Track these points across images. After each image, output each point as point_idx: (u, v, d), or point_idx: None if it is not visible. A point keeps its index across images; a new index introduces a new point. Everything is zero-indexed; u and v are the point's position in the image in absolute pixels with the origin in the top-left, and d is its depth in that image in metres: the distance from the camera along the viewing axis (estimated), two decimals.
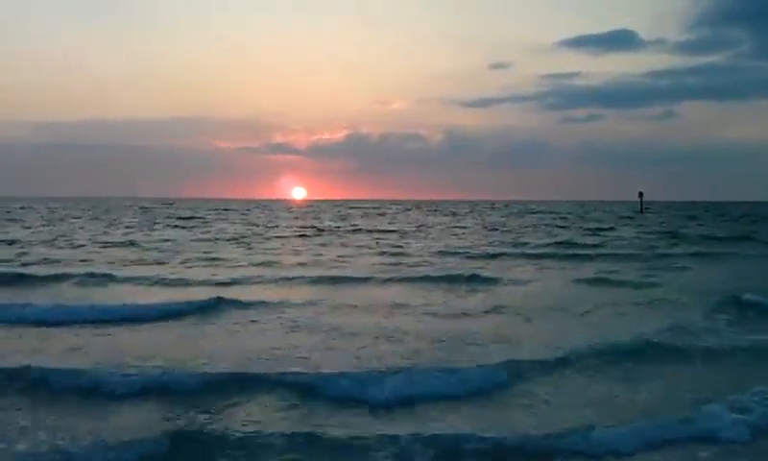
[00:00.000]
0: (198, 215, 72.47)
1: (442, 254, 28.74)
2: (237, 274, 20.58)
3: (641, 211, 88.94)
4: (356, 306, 14.91)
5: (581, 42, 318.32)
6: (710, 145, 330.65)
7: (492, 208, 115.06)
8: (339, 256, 27.08)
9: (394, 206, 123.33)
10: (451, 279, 19.43)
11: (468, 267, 22.64)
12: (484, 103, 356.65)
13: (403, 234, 42.84)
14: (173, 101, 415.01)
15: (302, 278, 19.84)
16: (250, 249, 30.54)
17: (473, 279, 19.53)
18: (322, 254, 27.96)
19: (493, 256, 27.60)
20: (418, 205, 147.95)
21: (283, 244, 34.30)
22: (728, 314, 13.99)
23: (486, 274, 20.71)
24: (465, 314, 14.24)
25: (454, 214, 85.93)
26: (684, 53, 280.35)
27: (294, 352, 10.44)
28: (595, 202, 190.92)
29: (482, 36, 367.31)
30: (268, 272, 21.24)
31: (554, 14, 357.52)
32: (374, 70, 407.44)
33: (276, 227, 51.24)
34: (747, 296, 15.24)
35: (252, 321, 13.19)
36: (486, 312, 14.45)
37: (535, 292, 17.78)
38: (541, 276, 21.33)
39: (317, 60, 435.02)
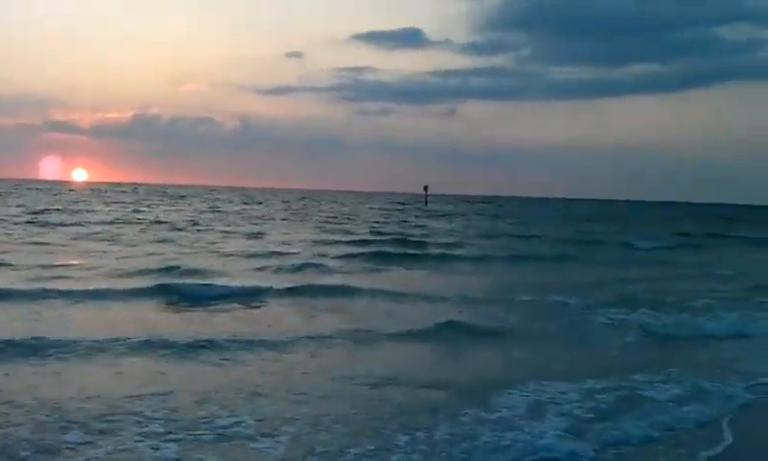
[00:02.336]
0: None
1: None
2: None
3: (426, 204, 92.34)
4: None
5: (373, 38, 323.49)
6: (492, 143, 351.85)
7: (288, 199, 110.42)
8: None
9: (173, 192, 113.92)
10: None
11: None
12: (280, 91, 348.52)
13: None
14: None
15: None
16: None
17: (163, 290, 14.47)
18: None
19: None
20: (212, 191, 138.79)
21: None
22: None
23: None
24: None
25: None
26: (470, 54, 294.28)
27: None
28: (385, 193, 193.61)
29: (277, 24, 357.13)
30: None
31: (347, 8, 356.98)
32: (166, 51, 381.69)
33: None
34: None
35: None
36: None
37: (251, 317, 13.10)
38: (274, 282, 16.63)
39: (105, 37, 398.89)
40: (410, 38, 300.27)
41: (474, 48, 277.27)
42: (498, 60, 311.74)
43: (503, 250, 28.99)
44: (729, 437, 7.03)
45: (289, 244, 27.62)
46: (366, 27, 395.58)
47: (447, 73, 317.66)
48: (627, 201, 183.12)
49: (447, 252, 27.17)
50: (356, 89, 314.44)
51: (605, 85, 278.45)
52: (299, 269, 19.74)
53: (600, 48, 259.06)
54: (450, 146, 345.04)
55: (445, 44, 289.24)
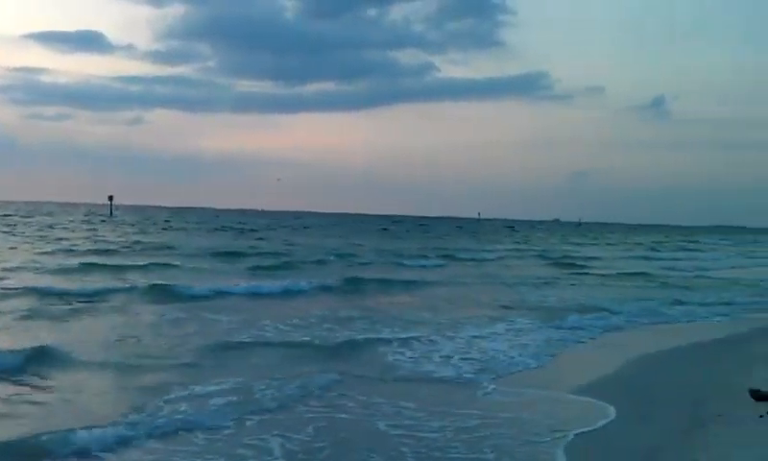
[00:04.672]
0: None
1: None
2: None
3: (111, 215, 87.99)
4: None
5: (48, 38, 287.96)
6: (182, 153, 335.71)
7: None
8: None
9: None
10: None
11: None
12: None
13: None
14: None
15: None
16: None
17: None
18: None
19: None
20: None
21: None
22: None
23: None
24: None
25: None
26: (154, 62, 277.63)
27: None
28: (65, 204, 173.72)
29: None
30: None
31: (19, 4, 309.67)
32: None
33: None
34: None
35: None
36: None
37: None
38: None
39: None
40: (90, 41, 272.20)
41: (159, 56, 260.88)
42: (184, 70, 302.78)
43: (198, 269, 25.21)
44: None
45: None
46: (41, 26, 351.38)
47: (131, 79, 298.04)
48: (306, 212, 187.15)
49: (133, 281, 22.03)
50: (28, 91, 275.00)
51: (288, 101, 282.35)
52: None
53: (282, 64, 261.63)
54: (137, 155, 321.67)
55: (129, 50, 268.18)
